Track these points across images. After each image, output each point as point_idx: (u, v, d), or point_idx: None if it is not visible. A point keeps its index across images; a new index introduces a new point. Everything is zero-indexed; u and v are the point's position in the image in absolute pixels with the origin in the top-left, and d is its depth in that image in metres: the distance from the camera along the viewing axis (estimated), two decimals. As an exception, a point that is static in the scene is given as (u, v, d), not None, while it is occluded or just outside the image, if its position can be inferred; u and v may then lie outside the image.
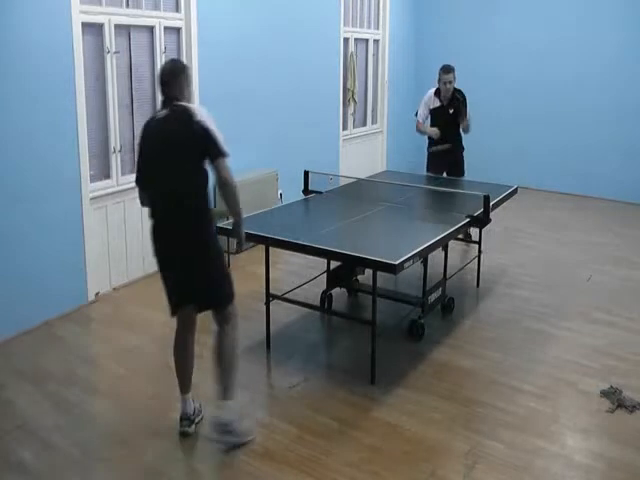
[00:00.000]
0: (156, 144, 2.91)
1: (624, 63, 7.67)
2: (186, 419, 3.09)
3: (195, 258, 2.91)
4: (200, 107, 2.94)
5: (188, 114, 2.82)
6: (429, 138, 5.78)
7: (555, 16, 8.06)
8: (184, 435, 3.08)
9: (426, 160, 5.88)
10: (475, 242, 5.62)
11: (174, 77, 2.90)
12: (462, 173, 5.83)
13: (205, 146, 2.80)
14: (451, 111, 5.63)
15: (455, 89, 5.61)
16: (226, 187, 2.84)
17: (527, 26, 8.26)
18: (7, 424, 3.19)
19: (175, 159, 2.85)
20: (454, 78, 5.54)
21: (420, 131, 5.78)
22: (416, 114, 5.76)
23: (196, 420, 3.15)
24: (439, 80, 5.56)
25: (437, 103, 5.65)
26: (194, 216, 2.88)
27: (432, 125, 5.73)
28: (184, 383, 3.11)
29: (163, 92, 2.92)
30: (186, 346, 3.11)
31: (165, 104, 2.91)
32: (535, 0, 8.21)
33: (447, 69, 5.53)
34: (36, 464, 2.90)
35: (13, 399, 3.43)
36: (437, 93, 5.65)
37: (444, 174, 5.79)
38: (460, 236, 5.00)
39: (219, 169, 2.80)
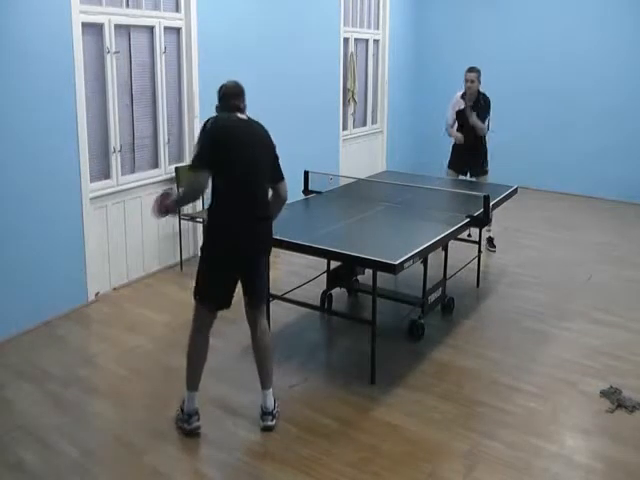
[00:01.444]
0: (248, 146, 3.01)
1: (626, 63, 7.68)
2: (196, 414, 3.12)
3: (263, 258, 3.15)
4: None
5: (266, 130, 3.09)
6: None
7: (557, 17, 8.06)
8: (196, 430, 3.09)
9: (448, 158, 6.01)
10: (492, 248, 5.75)
11: (243, 92, 3.08)
12: (485, 171, 5.88)
13: (274, 165, 3.13)
14: (474, 113, 5.74)
15: (480, 93, 5.72)
16: (282, 205, 3.22)
17: (528, 27, 8.27)
18: (7, 424, 3.19)
19: (262, 166, 3.05)
20: (477, 79, 5.65)
21: (448, 133, 5.92)
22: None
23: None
24: (464, 80, 5.70)
25: (462, 105, 5.76)
26: (268, 219, 3.11)
27: (458, 126, 5.83)
28: (197, 381, 3.13)
29: (234, 102, 3.03)
30: (207, 344, 3.14)
31: (237, 111, 3.03)
32: (536, 2, 8.22)
33: (470, 68, 5.68)
34: (36, 464, 2.90)
35: (13, 399, 3.43)
36: (464, 96, 5.75)
37: (467, 174, 5.92)
38: (465, 236, 5.04)
39: (282, 189, 3.16)
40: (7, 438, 3.07)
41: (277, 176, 3.14)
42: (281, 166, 3.16)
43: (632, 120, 7.70)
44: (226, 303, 3.10)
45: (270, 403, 3.16)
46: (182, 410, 3.13)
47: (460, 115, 5.78)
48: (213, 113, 3.08)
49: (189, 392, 3.11)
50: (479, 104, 5.71)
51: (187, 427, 3.09)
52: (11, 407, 3.36)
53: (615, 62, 7.73)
